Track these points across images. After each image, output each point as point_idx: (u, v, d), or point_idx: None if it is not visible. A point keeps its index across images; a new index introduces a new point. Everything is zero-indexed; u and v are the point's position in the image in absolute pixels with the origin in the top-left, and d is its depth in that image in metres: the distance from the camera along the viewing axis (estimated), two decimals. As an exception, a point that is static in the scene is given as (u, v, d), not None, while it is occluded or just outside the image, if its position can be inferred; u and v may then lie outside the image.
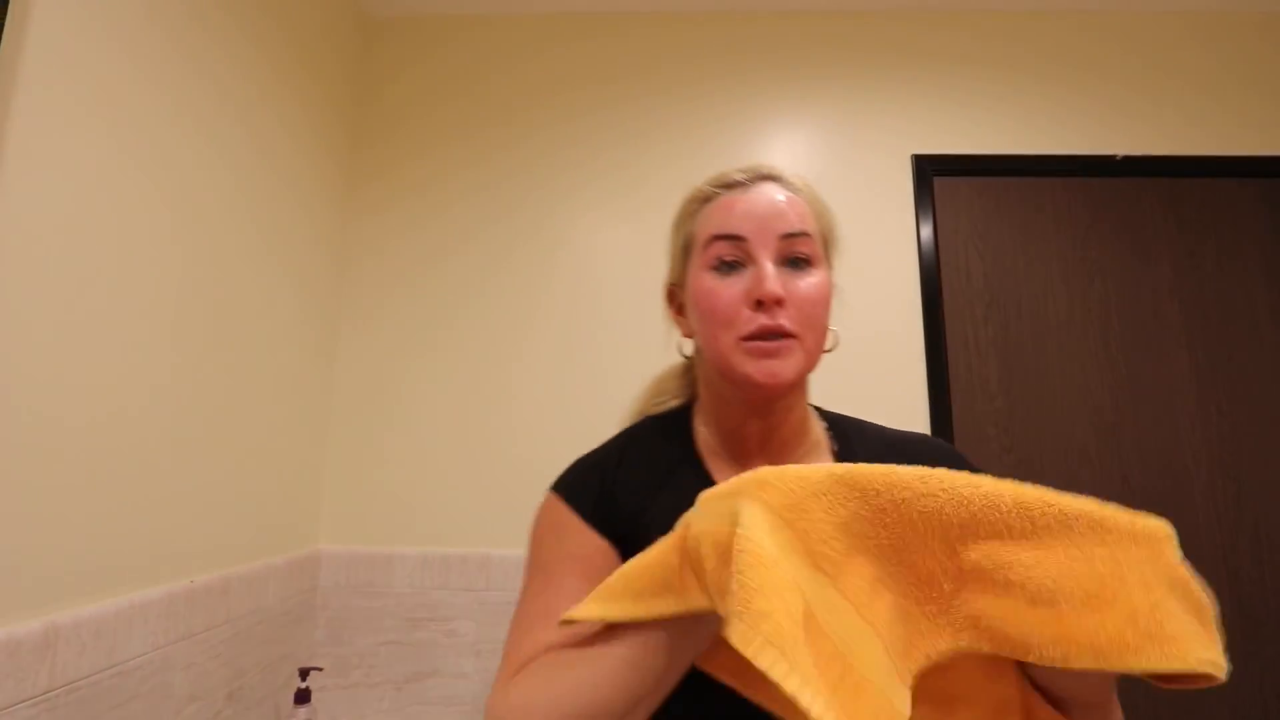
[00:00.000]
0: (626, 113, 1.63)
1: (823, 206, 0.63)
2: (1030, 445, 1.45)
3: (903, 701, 0.36)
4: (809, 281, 0.57)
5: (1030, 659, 0.36)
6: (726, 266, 0.58)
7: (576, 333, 1.52)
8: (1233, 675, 1.33)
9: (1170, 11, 1.64)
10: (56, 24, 0.78)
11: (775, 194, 0.60)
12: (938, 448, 0.65)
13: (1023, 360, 1.50)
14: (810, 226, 0.59)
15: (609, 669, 0.45)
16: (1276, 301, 1.49)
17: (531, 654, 0.51)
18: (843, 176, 1.59)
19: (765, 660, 0.33)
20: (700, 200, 0.63)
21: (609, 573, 0.49)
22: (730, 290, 0.57)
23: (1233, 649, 1.34)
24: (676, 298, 0.67)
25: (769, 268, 0.56)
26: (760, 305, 0.55)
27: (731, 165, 0.64)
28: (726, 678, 0.43)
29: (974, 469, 0.56)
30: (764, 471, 0.40)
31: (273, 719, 1.21)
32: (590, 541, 0.58)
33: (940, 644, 0.38)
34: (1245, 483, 1.42)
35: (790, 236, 0.58)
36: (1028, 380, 1.49)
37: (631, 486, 0.60)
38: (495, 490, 1.45)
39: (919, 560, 0.38)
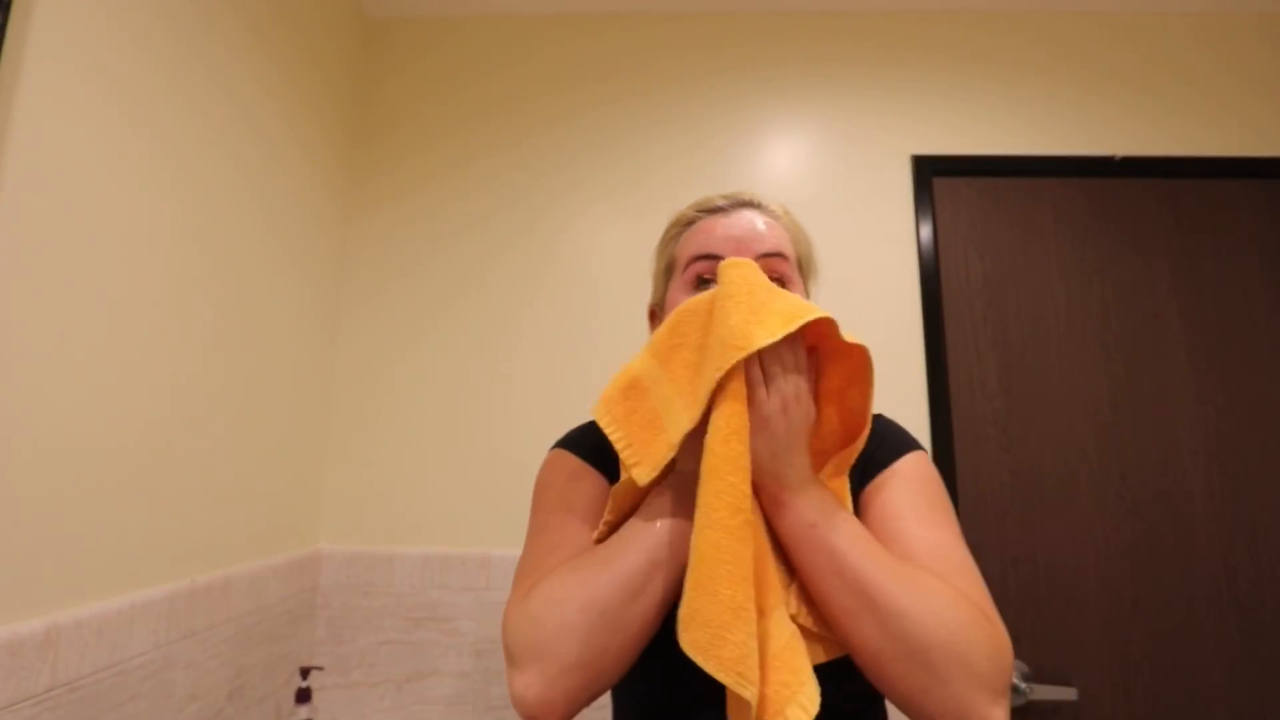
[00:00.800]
0: (624, 111, 1.63)
1: (801, 233, 0.68)
2: (1029, 445, 1.46)
3: (677, 433, 0.52)
4: None
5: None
6: (704, 284, 0.62)
7: (576, 332, 1.53)
8: (1232, 674, 1.34)
9: (1170, 11, 1.64)
10: (63, 15, 0.79)
11: (755, 218, 0.64)
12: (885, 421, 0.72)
13: (1022, 360, 1.50)
14: (787, 249, 0.64)
15: (628, 549, 0.53)
16: (1276, 302, 1.49)
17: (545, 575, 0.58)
18: (842, 176, 1.59)
19: (596, 414, 0.56)
20: (682, 224, 0.68)
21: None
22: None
23: (1231, 648, 1.34)
24: (657, 317, 0.72)
25: None
26: None
27: (714, 192, 0.69)
28: None
29: (901, 430, 0.71)
30: None
31: (273, 718, 1.21)
32: (600, 484, 0.64)
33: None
34: (1243, 482, 1.42)
35: (766, 256, 0.61)
36: (1027, 380, 1.49)
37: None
38: (495, 490, 1.46)
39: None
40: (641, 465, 0.53)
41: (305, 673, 1.23)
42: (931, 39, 1.65)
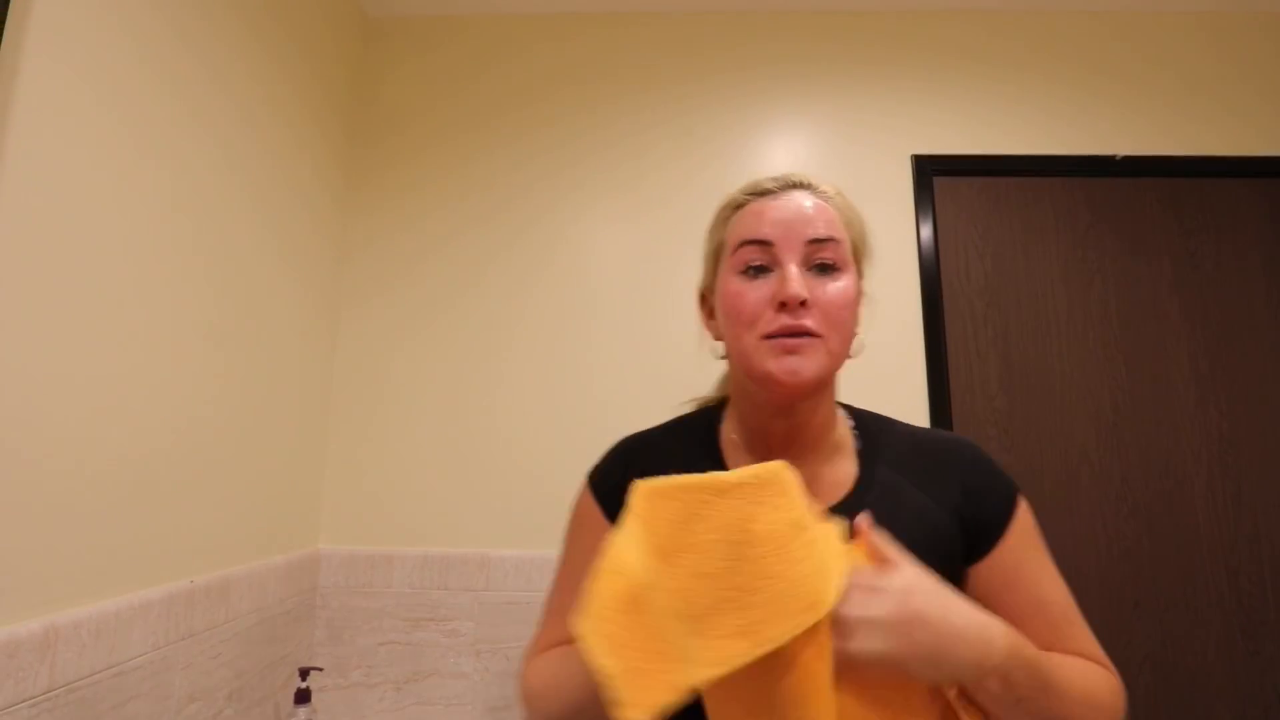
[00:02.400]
0: (624, 112, 1.63)
1: (854, 214, 0.64)
2: (1030, 445, 1.45)
3: (690, 675, 0.42)
4: (835, 286, 0.58)
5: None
6: (754, 270, 0.60)
7: (575, 332, 1.52)
8: (1233, 674, 1.34)
9: (1170, 11, 1.64)
10: (61, 14, 0.78)
11: (804, 201, 0.61)
12: (960, 446, 0.66)
13: (1023, 360, 1.50)
14: (838, 233, 0.60)
15: (572, 670, 0.54)
16: (1276, 301, 1.49)
17: (550, 641, 0.63)
18: (842, 176, 1.58)
19: (582, 639, 0.45)
20: (732, 207, 0.65)
21: None
22: (756, 292, 0.58)
23: (1233, 648, 1.34)
24: (707, 302, 0.68)
25: (794, 270, 0.57)
26: (784, 307, 0.56)
27: (765, 174, 0.66)
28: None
29: (993, 467, 0.64)
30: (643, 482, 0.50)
31: (272, 719, 1.21)
32: (604, 534, 0.59)
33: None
34: (1245, 482, 1.42)
35: (817, 242, 0.58)
36: (1028, 380, 1.49)
37: (644, 456, 0.68)
38: (495, 490, 1.45)
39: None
40: (635, 708, 0.42)
41: (304, 673, 1.22)
42: (931, 39, 1.65)
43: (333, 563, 1.42)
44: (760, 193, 0.63)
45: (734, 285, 0.60)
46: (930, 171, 1.57)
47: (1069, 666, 0.54)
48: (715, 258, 0.65)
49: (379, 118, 1.64)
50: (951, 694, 0.49)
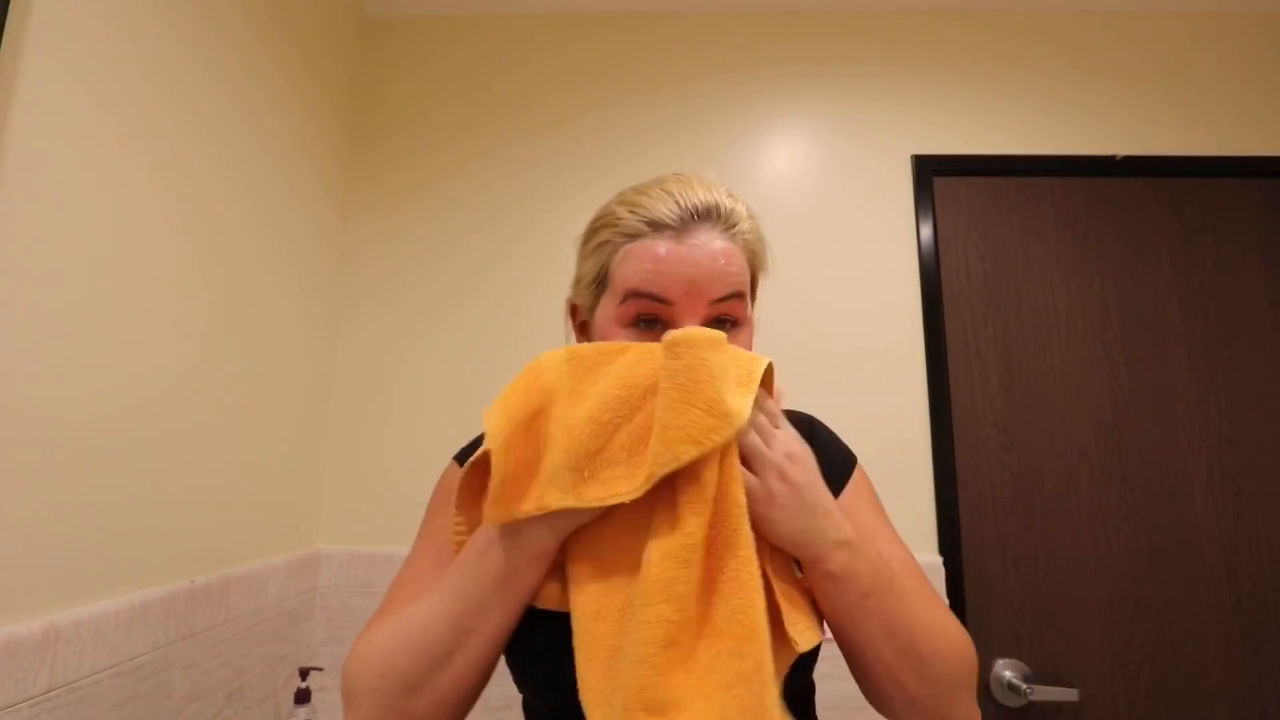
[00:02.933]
0: (624, 112, 1.63)
1: (760, 241, 0.60)
2: (1030, 445, 1.45)
3: (557, 499, 0.45)
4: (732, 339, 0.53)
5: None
6: (644, 324, 0.54)
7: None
8: (1233, 675, 1.34)
9: (1171, 11, 1.64)
10: (61, 14, 0.78)
11: (712, 244, 0.53)
12: (799, 419, 0.68)
13: (1023, 360, 1.50)
14: (743, 281, 0.55)
15: (435, 599, 0.49)
16: (1277, 301, 1.49)
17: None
18: (842, 176, 1.58)
19: (484, 424, 0.48)
20: (622, 235, 0.56)
21: None
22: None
23: (1232, 648, 1.34)
24: (580, 317, 0.65)
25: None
26: None
27: (660, 189, 0.56)
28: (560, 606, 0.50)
29: (830, 434, 0.67)
30: None
31: (273, 719, 1.21)
32: None
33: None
34: (1245, 482, 1.42)
35: (722, 300, 0.53)
36: (1027, 380, 1.49)
37: None
38: (495, 490, 1.45)
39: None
40: (501, 504, 0.46)
41: (305, 673, 1.22)
42: (931, 39, 1.65)
43: (333, 562, 1.42)
44: (657, 225, 0.53)
45: (617, 333, 0.55)
46: (930, 171, 1.57)
47: (917, 590, 0.53)
48: (596, 285, 0.58)
49: (379, 118, 1.64)
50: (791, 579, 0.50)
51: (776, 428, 0.50)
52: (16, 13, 0.73)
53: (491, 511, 0.46)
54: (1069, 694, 1.30)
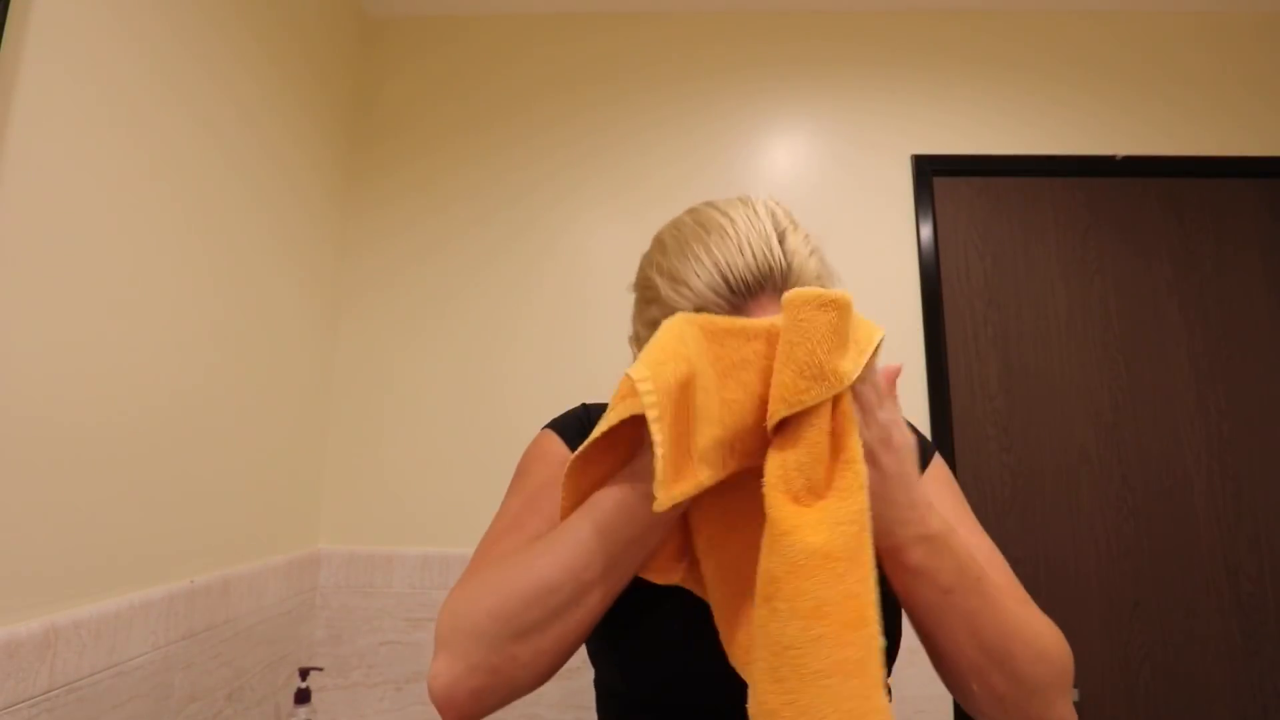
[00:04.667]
0: (624, 112, 1.63)
1: (819, 274, 0.56)
2: (1030, 445, 1.45)
3: (709, 476, 0.44)
4: None
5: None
6: None
7: (575, 331, 1.52)
8: (1233, 674, 1.34)
9: (1170, 11, 1.64)
10: (61, 14, 0.78)
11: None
12: None
13: (1023, 360, 1.50)
14: None
15: (558, 552, 0.47)
16: (1277, 302, 1.49)
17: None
18: (842, 177, 1.58)
19: (640, 389, 0.42)
20: (692, 301, 0.53)
21: None
22: None
23: (1232, 648, 1.34)
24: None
25: None
26: None
27: (702, 256, 0.52)
28: (678, 578, 0.50)
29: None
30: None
31: (273, 719, 1.21)
32: None
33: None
34: (1245, 482, 1.42)
35: None
36: (1028, 380, 1.49)
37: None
38: (495, 490, 1.45)
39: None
40: (668, 488, 0.42)
41: (304, 673, 1.22)
42: (931, 39, 1.65)
43: (333, 562, 1.42)
44: (726, 301, 0.51)
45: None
46: (930, 172, 1.57)
47: (1005, 587, 0.51)
48: (652, 329, 0.56)
49: (379, 117, 1.64)
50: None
51: (880, 408, 0.47)
52: (16, 12, 0.73)
53: (661, 494, 0.42)
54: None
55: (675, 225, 0.58)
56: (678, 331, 0.46)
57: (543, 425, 0.67)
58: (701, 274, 0.51)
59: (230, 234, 1.12)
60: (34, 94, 0.75)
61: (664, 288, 0.54)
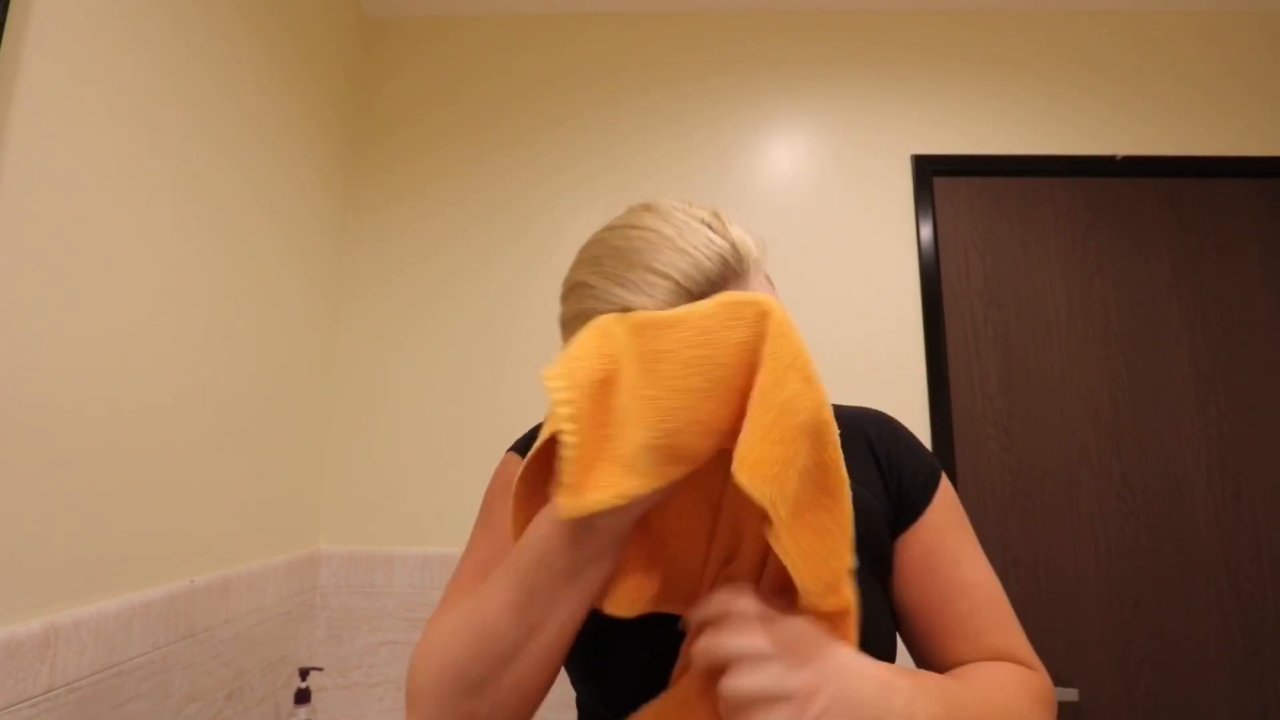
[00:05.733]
0: (624, 112, 1.63)
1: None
2: (1030, 445, 1.45)
3: (640, 485, 0.38)
4: None
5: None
6: None
7: (576, 333, 1.52)
8: (1233, 674, 1.34)
9: (1171, 11, 1.64)
10: (61, 13, 0.78)
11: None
12: (876, 419, 0.64)
13: (1022, 360, 1.50)
14: None
15: (498, 593, 0.44)
16: (1277, 302, 1.49)
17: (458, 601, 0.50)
18: (842, 176, 1.59)
19: (550, 387, 0.38)
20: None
21: None
22: None
23: (1233, 648, 1.34)
24: None
25: None
26: None
27: (635, 271, 0.46)
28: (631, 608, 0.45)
29: (913, 440, 0.62)
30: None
31: (273, 719, 1.21)
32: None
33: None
34: (1245, 482, 1.42)
35: None
36: (1027, 380, 1.49)
37: None
38: (495, 490, 1.45)
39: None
40: (575, 494, 0.38)
41: (304, 673, 1.22)
42: (931, 39, 1.65)
43: (333, 562, 1.42)
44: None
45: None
46: (930, 171, 1.57)
47: (982, 687, 0.48)
48: None
49: (379, 117, 1.64)
50: None
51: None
52: (16, 12, 0.73)
53: (566, 502, 0.38)
54: (1069, 694, 1.30)
55: (593, 262, 0.49)
56: (602, 328, 0.42)
57: (507, 449, 0.65)
58: (657, 294, 0.45)
59: (230, 233, 1.12)
60: (34, 93, 0.75)
61: (599, 293, 0.47)
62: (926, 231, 1.54)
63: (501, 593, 0.44)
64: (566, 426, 0.38)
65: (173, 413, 0.98)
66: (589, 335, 0.42)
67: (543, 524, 0.44)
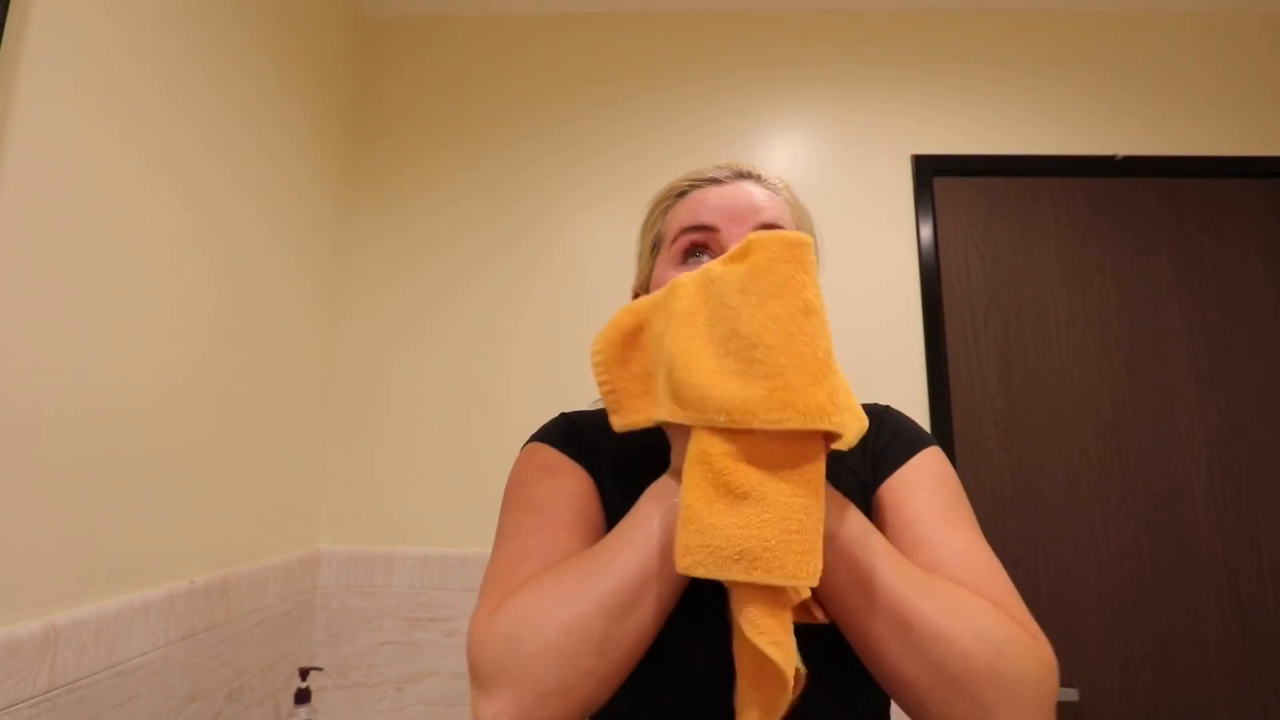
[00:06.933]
0: (624, 112, 1.63)
1: (803, 212, 0.60)
2: (1030, 445, 1.45)
3: (662, 413, 0.44)
4: None
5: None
6: (695, 257, 0.55)
7: (574, 331, 1.52)
8: (1233, 675, 1.34)
9: (1171, 11, 1.64)
10: (60, 16, 0.78)
11: (752, 190, 0.57)
12: (876, 411, 0.65)
13: (1023, 360, 1.50)
14: (787, 223, 0.56)
15: (626, 547, 0.44)
16: (1277, 302, 1.49)
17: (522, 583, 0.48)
18: (842, 177, 1.58)
19: (591, 349, 0.51)
20: (674, 195, 0.60)
21: (595, 509, 0.55)
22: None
23: (1233, 648, 1.34)
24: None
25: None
26: None
27: (709, 163, 0.61)
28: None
29: (908, 420, 0.65)
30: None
31: (273, 719, 1.21)
32: (579, 476, 0.57)
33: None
34: (1245, 482, 1.42)
35: (766, 227, 0.53)
36: (1028, 380, 1.49)
37: (589, 425, 0.63)
38: (495, 489, 1.44)
39: None
40: (620, 414, 0.50)
41: (304, 673, 1.22)
42: (931, 39, 1.65)
43: (333, 562, 1.42)
44: (705, 180, 0.58)
45: (671, 275, 0.54)
46: (930, 171, 1.57)
47: (913, 566, 0.46)
48: (653, 251, 0.61)
49: (379, 117, 1.64)
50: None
51: None
52: (16, 14, 0.73)
53: (616, 420, 0.50)
54: (1069, 694, 1.30)
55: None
56: (637, 301, 0.52)
57: (526, 441, 0.66)
58: (702, 167, 0.61)
59: (229, 233, 1.12)
60: (33, 95, 0.75)
61: (671, 181, 0.63)
62: (926, 232, 1.54)
63: (637, 549, 0.44)
64: (596, 371, 0.51)
65: (173, 412, 0.98)
66: (616, 316, 0.52)
67: (651, 495, 0.47)
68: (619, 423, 0.50)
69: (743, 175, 0.58)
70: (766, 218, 0.54)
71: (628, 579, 0.43)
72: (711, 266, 0.45)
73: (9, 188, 0.72)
